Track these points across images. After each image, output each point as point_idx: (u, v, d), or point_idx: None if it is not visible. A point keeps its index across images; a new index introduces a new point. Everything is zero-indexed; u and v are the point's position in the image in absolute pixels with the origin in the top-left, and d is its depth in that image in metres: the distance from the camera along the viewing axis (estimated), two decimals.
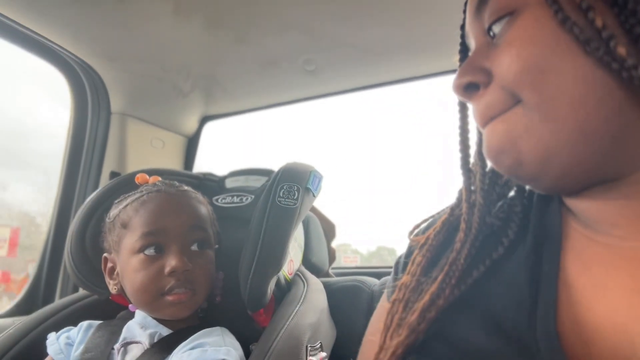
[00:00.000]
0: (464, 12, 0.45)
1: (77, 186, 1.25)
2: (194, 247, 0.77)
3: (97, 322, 0.82)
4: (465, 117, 0.47)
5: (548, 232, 0.42)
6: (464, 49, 0.47)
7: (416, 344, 0.42)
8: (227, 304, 0.86)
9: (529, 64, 0.34)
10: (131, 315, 0.80)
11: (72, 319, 0.88)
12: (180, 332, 0.74)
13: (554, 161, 0.35)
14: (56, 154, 1.27)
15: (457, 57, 0.48)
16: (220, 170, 1.14)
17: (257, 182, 1.05)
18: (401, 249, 0.57)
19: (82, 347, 0.75)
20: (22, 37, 1.02)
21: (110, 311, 0.89)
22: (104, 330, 0.78)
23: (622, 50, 0.31)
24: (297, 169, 0.89)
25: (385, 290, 0.55)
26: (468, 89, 0.41)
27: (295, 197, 0.82)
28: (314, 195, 0.87)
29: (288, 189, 0.83)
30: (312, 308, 0.81)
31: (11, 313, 1.15)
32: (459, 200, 0.49)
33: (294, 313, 0.77)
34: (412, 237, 0.54)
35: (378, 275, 1.04)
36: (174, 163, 1.50)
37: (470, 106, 0.47)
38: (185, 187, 0.85)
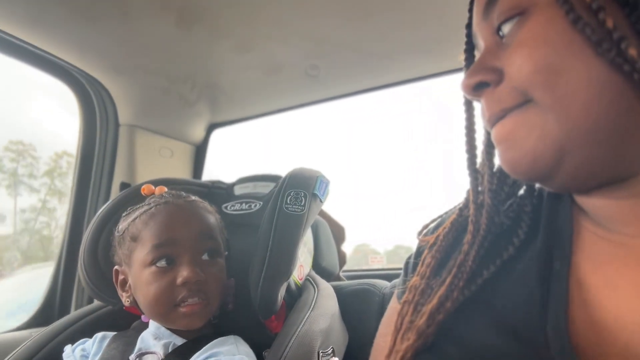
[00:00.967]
0: (470, 10, 0.45)
1: (89, 198, 1.27)
2: (205, 257, 0.77)
3: (111, 334, 0.83)
4: (471, 117, 0.47)
5: (559, 231, 0.42)
6: (469, 48, 0.47)
7: (426, 346, 0.42)
8: (240, 311, 0.87)
9: (542, 65, 0.34)
10: (145, 326, 0.81)
11: (87, 330, 0.89)
12: (194, 341, 0.74)
13: (567, 160, 0.35)
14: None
15: (462, 55, 0.48)
16: (229, 177, 1.15)
17: (266, 188, 1.05)
18: None
19: (97, 358, 0.76)
20: (28, 54, 1.04)
21: (126, 321, 0.91)
22: (119, 341, 0.79)
23: (633, 52, 0.31)
24: (303, 175, 0.89)
25: (396, 291, 0.55)
26: (478, 88, 0.41)
27: (302, 204, 0.83)
28: (321, 201, 0.88)
29: (295, 195, 0.83)
30: (323, 314, 0.81)
31: (28, 325, 1.17)
32: (467, 200, 0.49)
33: (305, 319, 0.77)
34: (421, 237, 0.54)
35: (389, 277, 1.04)
36: (183, 171, 1.51)
37: (476, 106, 0.47)
38: (193, 197, 0.86)
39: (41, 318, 1.20)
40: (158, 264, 0.74)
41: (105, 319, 0.98)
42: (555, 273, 0.39)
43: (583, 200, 0.41)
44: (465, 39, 0.48)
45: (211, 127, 1.55)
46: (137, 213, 0.81)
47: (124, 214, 0.86)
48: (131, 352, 0.75)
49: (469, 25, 0.46)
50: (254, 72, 1.26)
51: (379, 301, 0.94)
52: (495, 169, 0.47)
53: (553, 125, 0.35)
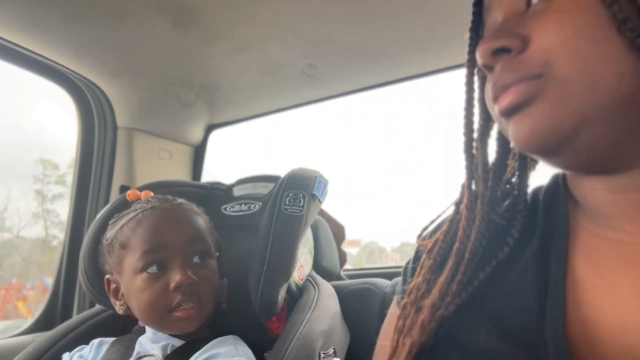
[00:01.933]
0: None
1: (89, 201, 1.27)
2: (196, 259, 0.77)
3: (109, 339, 0.83)
4: (471, 92, 0.46)
5: (555, 232, 0.42)
6: (476, 26, 0.46)
7: (427, 346, 0.41)
8: (240, 312, 0.87)
9: (578, 33, 0.34)
10: (145, 329, 0.81)
11: (89, 335, 0.89)
12: (193, 343, 0.74)
13: (585, 132, 0.34)
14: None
15: (459, 52, 0.47)
16: (230, 178, 1.15)
17: (265, 188, 1.05)
18: None
19: None
20: (25, 59, 1.04)
21: (127, 325, 0.91)
22: (119, 345, 0.79)
23: None
24: (302, 175, 0.89)
25: (395, 297, 0.54)
26: (496, 54, 0.38)
27: (301, 205, 0.82)
28: (319, 201, 0.88)
29: (294, 196, 0.83)
30: (324, 314, 0.82)
31: (30, 330, 1.17)
32: (462, 194, 0.48)
33: (305, 320, 0.77)
34: (419, 241, 0.53)
35: (390, 276, 1.04)
36: (182, 173, 1.51)
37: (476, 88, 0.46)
38: (180, 200, 0.85)
39: (44, 322, 1.20)
40: (149, 270, 0.73)
41: (107, 322, 0.98)
42: (552, 275, 0.39)
43: (585, 196, 0.41)
44: (462, 39, 0.47)
45: (209, 128, 1.55)
46: (124, 220, 0.80)
47: (110, 222, 0.85)
48: (130, 356, 0.75)
49: (477, 3, 0.45)
50: (251, 72, 1.26)
51: (380, 300, 0.94)
52: (490, 165, 0.47)
53: (575, 95, 0.34)
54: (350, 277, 1.24)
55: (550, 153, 0.37)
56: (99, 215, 0.99)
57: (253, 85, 1.32)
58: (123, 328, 0.89)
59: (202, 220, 0.83)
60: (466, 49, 0.46)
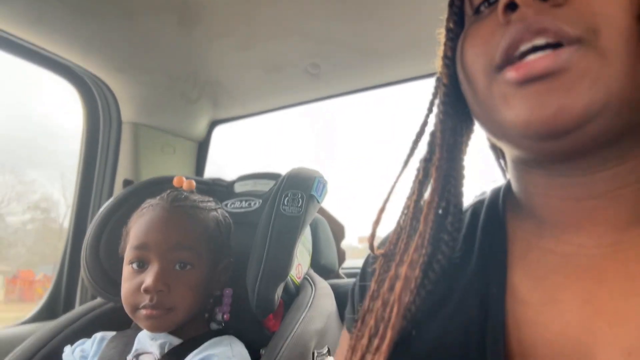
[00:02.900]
0: None
1: (92, 194, 1.29)
2: (177, 267, 0.75)
3: (110, 334, 0.84)
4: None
5: (494, 250, 0.40)
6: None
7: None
8: (239, 309, 0.88)
9: (629, 8, 0.30)
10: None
11: (91, 327, 0.91)
12: (189, 342, 0.75)
13: (598, 120, 0.30)
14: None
15: None
16: (232, 175, 1.15)
17: (265, 186, 1.06)
18: None
19: (96, 359, 0.78)
20: (31, 53, 1.05)
21: (128, 318, 0.92)
22: (118, 341, 0.81)
23: None
24: (300, 175, 0.89)
25: (345, 324, 0.51)
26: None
27: (299, 205, 0.83)
28: (318, 202, 0.88)
29: (292, 196, 0.84)
30: (319, 314, 0.83)
31: (33, 319, 1.19)
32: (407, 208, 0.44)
33: (301, 319, 0.78)
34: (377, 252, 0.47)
35: None
36: (185, 168, 1.52)
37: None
38: (191, 201, 0.83)
39: (47, 312, 1.22)
40: (133, 265, 0.76)
41: (109, 315, 0.99)
42: (492, 296, 0.37)
43: (535, 205, 0.39)
44: None
45: (213, 124, 1.56)
46: (139, 208, 0.83)
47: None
48: (129, 352, 0.77)
49: None
50: (254, 70, 1.27)
51: None
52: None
53: (611, 75, 0.30)
54: (349, 275, 1.25)
55: (558, 137, 0.32)
56: (102, 209, 1.00)
57: (257, 83, 1.33)
58: (124, 321, 0.91)
59: (200, 227, 0.80)
60: None
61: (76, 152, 1.28)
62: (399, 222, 0.44)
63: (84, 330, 0.91)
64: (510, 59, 0.33)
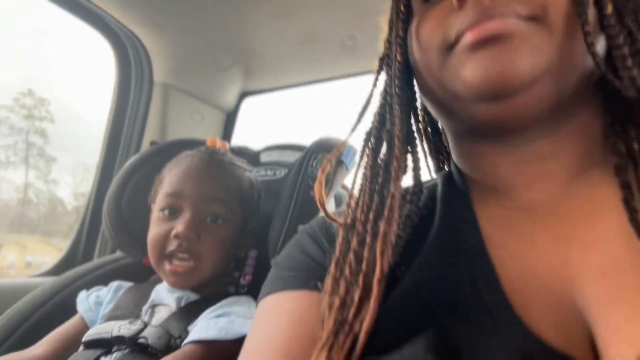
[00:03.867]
0: None
1: (119, 152, 1.28)
2: (208, 220, 0.76)
3: (127, 284, 0.84)
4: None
5: (461, 212, 0.43)
6: None
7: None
8: (259, 275, 0.86)
9: None
10: (161, 280, 0.81)
11: (105, 279, 0.91)
12: (208, 298, 0.74)
13: (543, 84, 0.35)
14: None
15: None
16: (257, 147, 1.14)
17: (292, 157, 1.04)
18: None
19: (111, 305, 0.77)
20: (71, 3, 1.04)
21: (144, 275, 0.92)
22: (135, 292, 0.80)
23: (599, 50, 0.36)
24: (331, 141, 0.87)
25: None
26: None
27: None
28: (347, 169, 0.85)
29: (321, 159, 0.81)
30: None
31: (50, 273, 1.20)
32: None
33: None
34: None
35: None
36: (212, 137, 1.51)
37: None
38: (227, 157, 0.84)
39: (64, 266, 1.23)
40: (165, 212, 0.76)
41: (125, 270, 0.99)
42: (470, 245, 0.39)
43: (484, 173, 0.43)
44: None
45: (243, 95, 1.54)
46: (174, 159, 0.83)
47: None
48: (145, 303, 0.76)
49: None
50: (289, 39, 1.24)
51: None
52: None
53: (555, 46, 0.34)
54: None
55: (505, 96, 0.36)
56: (125, 165, 1.00)
57: (290, 53, 1.30)
58: (140, 277, 0.90)
59: (235, 183, 0.81)
60: None
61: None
62: (361, 189, 0.45)
63: (101, 281, 0.91)
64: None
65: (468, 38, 0.36)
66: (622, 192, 0.34)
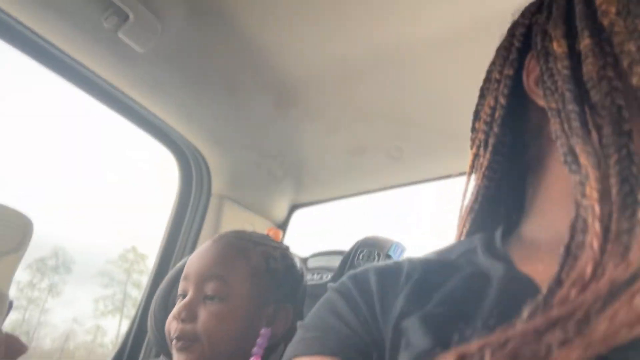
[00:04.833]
0: None
1: (172, 261, 1.32)
2: (209, 298, 0.72)
3: None
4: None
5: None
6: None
7: None
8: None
9: None
10: None
11: None
12: None
13: None
14: None
15: None
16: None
17: (338, 262, 1.03)
18: None
19: None
20: (143, 120, 1.19)
21: None
22: None
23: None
24: (379, 238, 0.86)
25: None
26: None
27: (375, 262, 0.79)
28: None
29: (368, 253, 0.80)
30: None
31: None
32: None
33: None
34: None
35: None
36: None
37: None
38: (240, 235, 0.81)
39: None
40: (180, 297, 0.76)
41: None
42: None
43: None
44: None
45: (293, 208, 1.59)
46: None
47: None
48: None
49: None
50: (339, 152, 1.31)
51: None
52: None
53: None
54: None
55: None
56: (176, 266, 1.02)
57: (340, 166, 1.37)
58: None
59: (239, 258, 0.75)
60: None
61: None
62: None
63: None
64: None
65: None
66: None
